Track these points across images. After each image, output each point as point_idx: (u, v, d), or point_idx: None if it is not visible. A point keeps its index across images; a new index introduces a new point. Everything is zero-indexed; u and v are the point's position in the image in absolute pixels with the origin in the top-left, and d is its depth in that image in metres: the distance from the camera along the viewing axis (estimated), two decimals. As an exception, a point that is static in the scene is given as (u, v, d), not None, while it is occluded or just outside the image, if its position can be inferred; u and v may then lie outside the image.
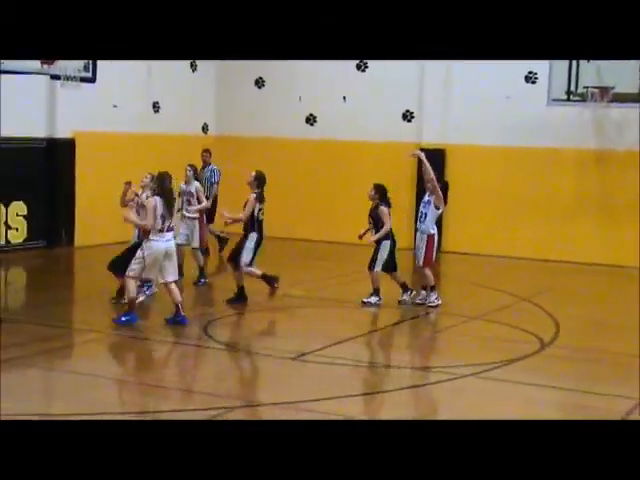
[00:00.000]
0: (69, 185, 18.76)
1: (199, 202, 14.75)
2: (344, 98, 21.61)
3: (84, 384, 9.43)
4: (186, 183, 14.80)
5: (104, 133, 19.61)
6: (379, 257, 13.47)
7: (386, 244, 13.49)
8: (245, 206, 13.28)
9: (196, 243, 14.78)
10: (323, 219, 21.86)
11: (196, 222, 14.76)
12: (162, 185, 11.86)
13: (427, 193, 13.57)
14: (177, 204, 14.92)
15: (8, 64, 14.13)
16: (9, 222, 17.82)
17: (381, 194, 13.68)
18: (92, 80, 15.52)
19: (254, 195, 13.35)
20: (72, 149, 18.89)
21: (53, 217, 18.46)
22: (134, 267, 11.61)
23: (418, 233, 13.59)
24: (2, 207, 17.78)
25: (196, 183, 14.94)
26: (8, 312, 12.75)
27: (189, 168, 15.01)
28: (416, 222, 14.10)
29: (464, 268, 18.28)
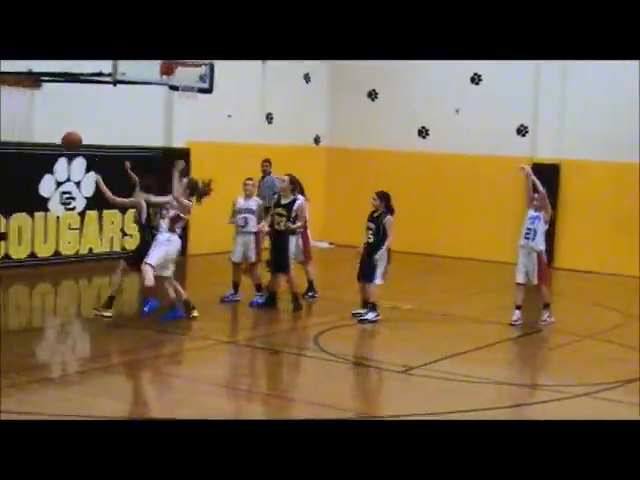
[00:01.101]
0: (183, 194, 19.06)
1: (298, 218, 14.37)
2: (457, 111, 21.63)
3: (193, 390, 9.58)
4: (285, 196, 14.69)
5: (218, 143, 19.97)
6: (379, 269, 13.10)
7: (384, 255, 13.15)
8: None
9: (302, 257, 14.86)
10: (432, 233, 21.75)
11: (300, 237, 14.71)
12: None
13: (532, 209, 13.25)
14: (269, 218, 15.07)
15: (129, 74, 14.34)
16: (125, 229, 18.24)
17: (386, 202, 13.35)
18: (209, 91, 15.46)
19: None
20: (187, 159, 19.09)
21: (167, 225, 18.82)
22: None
23: (523, 250, 13.18)
24: (119, 214, 18.21)
25: (300, 198, 14.45)
26: (122, 317, 13.04)
27: (288, 179, 14.95)
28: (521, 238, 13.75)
29: (575, 285, 17.98)
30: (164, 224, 12.70)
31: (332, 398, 9.52)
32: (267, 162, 17.94)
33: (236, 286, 14.26)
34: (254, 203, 14.23)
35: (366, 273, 13.03)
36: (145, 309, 12.33)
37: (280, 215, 13.67)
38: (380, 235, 13.10)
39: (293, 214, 13.62)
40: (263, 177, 17.36)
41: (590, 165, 19.82)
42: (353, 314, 13.19)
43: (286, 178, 14.04)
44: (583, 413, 9.16)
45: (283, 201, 13.85)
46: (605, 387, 9.95)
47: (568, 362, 11.74)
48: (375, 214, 13.27)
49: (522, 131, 20.64)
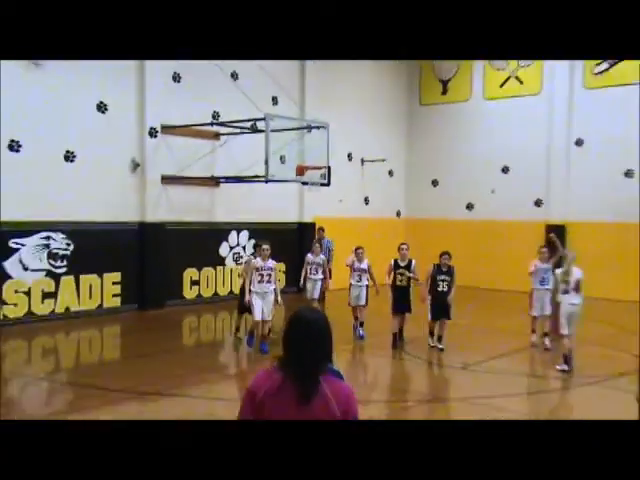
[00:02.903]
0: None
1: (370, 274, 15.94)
2: (492, 191, 25.18)
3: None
4: (360, 261, 15.92)
5: (333, 218, 23.48)
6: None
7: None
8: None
9: (363, 301, 16.25)
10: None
11: (365, 287, 16.02)
12: None
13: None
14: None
15: (277, 175, 16.75)
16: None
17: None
18: (327, 184, 18.29)
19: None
20: (313, 230, 22.56)
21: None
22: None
23: None
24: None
25: (365, 261, 15.85)
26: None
27: (360, 251, 16.07)
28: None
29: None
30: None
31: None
32: (321, 229, 20.09)
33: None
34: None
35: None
36: None
37: (402, 274, 14.97)
38: (452, 282, 14.76)
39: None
40: (319, 240, 18.83)
41: (593, 226, 22.17)
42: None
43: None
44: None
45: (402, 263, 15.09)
46: None
47: None
48: (444, 268, 14.74)
49: (539, 203, 24.01)
